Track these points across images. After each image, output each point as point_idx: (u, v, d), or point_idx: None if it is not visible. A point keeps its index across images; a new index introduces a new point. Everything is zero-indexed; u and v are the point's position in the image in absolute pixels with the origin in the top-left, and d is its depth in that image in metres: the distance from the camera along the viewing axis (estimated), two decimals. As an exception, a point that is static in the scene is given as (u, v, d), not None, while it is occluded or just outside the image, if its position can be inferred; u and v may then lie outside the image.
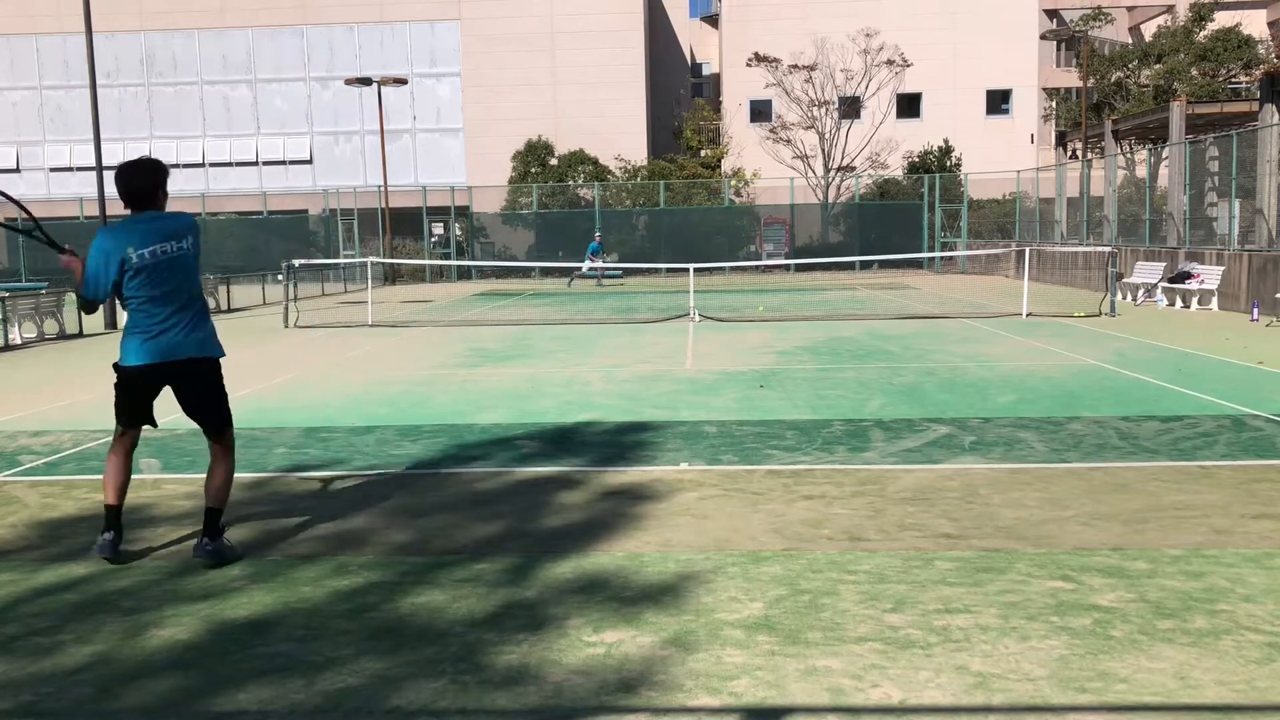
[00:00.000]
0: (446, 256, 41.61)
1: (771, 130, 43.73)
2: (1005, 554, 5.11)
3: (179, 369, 5.24)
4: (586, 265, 31.99)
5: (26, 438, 8.71)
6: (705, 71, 60.39)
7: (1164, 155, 27.20)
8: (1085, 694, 3.56)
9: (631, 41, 46.48)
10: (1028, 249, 24.16)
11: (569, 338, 16.43)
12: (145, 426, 5.39)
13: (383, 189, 37.95)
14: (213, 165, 47.60)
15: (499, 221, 42.63)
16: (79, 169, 46.46)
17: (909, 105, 46.32)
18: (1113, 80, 41.49)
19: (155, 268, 5.12)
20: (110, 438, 5.44)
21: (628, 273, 37.30)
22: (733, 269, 36.27)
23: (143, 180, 5.20)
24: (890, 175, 42.66)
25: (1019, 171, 35.91)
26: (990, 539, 5.36)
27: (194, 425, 5.48)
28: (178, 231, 5.22)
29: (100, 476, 7.11)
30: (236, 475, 7.13)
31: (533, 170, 43.32)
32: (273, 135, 47.68)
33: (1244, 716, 3.42)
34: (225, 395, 5.43)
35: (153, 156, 5.51)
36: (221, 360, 5.42)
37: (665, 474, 6.94)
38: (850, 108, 43.67)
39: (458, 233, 42.67)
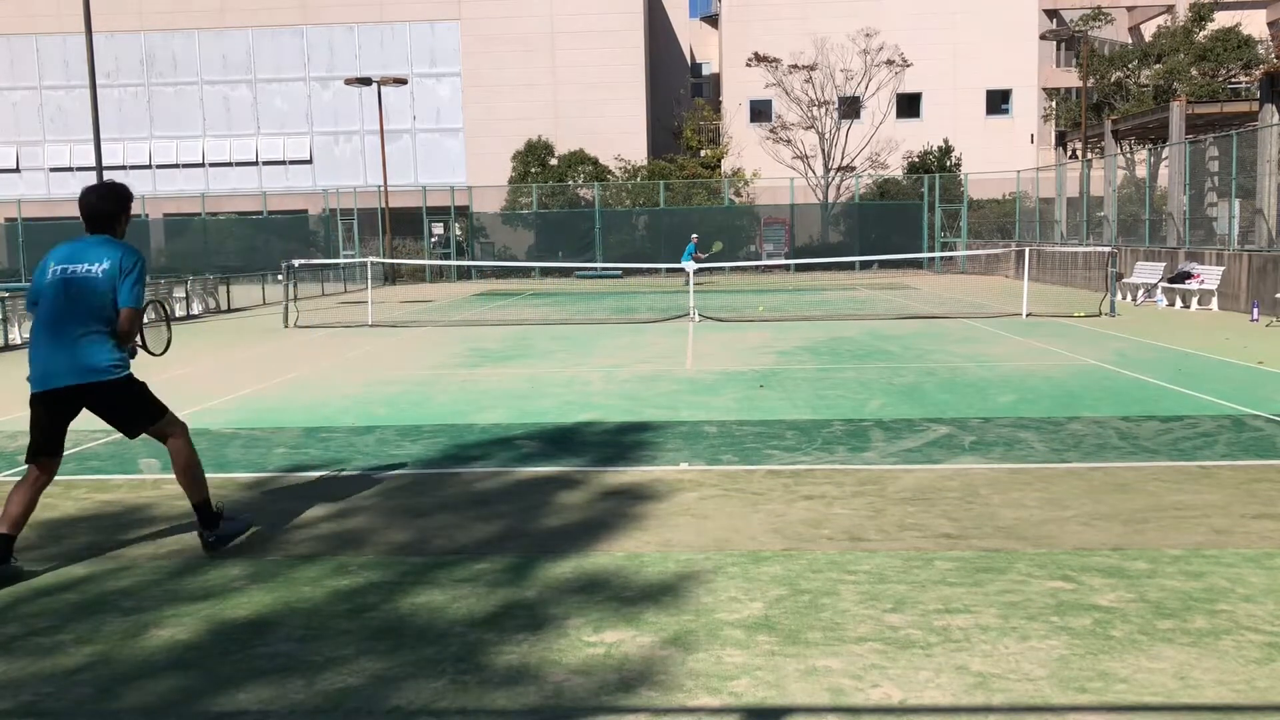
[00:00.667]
0: (446, 256, 41.61)
1: (771, 130, 43.72)
2: (1005, 554, 5.11)
3: (68, 395, 5.02)
4: (691, 265, 31.82)
5: (26, 438, 8.69)
6: (705, 71, 60.39)
7: (1164, 155, 27.21)
8: (1085, 694, 3.56)
9: (631, 41, 46.48)
10: (1027, 249, 24.15)
11: (569, 338, 16.43)
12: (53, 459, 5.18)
13: (383, 189, 37.96)
14: (213, 165, 47.61)
15: (499, 221, 42.63)
16: (79, 169, 46.45)
17: (909, 105, 46.33)
18: (1113, 80, 41.49)
19: (54, 285, 5.00)
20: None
21: (627, 273, 37.29)
22: (733, 269, 36.26)
23: (99, 205, 5.13)
24: (890, 175, 42.65)
25: (1019, 171, 35.91)
26: (990, 539, 5.36)
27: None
28: (96, 255, 5.01)
29: (101, 477, 7.14)
30: (237, 475, 7.15)
31: (533, 170, 43.32)
32: (273, 135, 47.69)
33: (1244, 716, 3.42)
34: (140, 406, 5.22)
35: (118, 183, 5.34)
36: (120, 380, 5.10)
37: (665, 474, 6.94)
38: (850, 108, 43.66)
39: (458, 233, 42.66)
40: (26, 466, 5.22)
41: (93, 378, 5.01)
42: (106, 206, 5.14)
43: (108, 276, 5.00)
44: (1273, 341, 14.09)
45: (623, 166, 43.78)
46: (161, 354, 5.60)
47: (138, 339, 5.24)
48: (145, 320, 5.33)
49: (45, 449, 5.14)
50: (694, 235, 35.52)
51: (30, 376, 5.07)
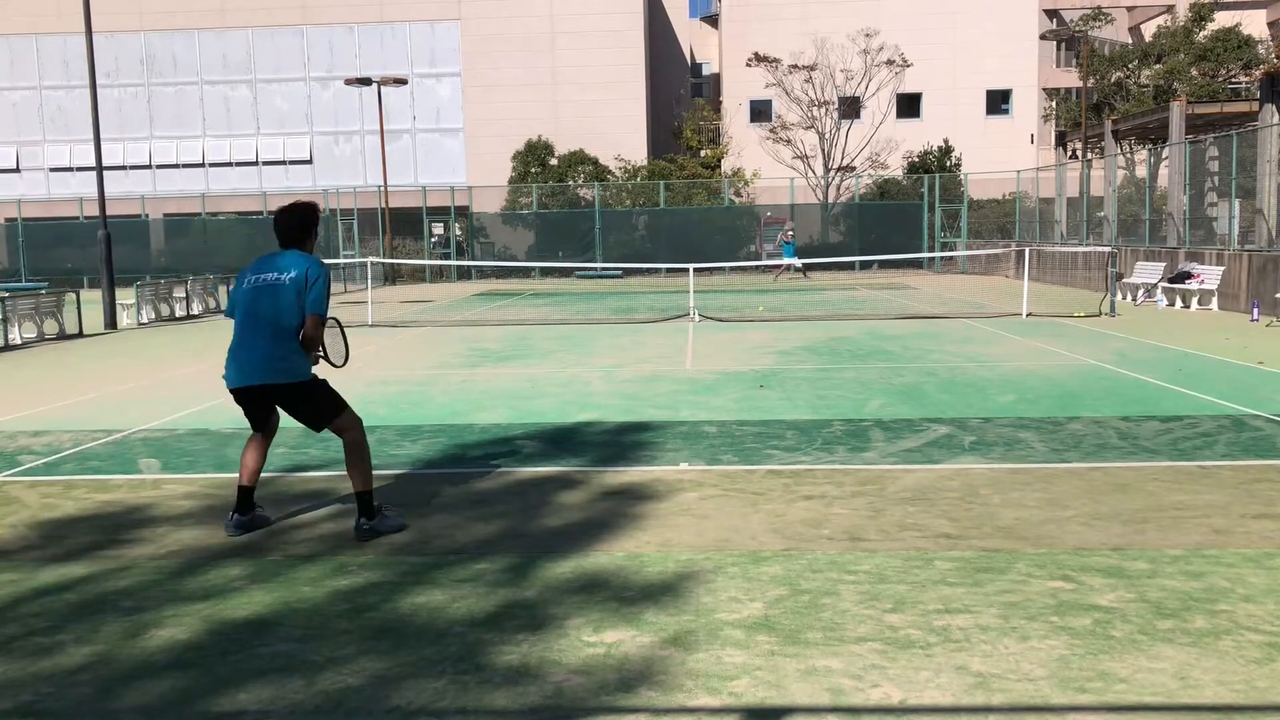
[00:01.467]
0: (446, 256, 41.60)
1: (771, 130, 43.72)
2: (1005, 554, 5.11)
3: (259, 392, 5.57)
4: (798, 260, 32.40)
5: (26, 438, 8.70)
6: (705, 71, 60.38)
7: (1164, 155, 27.20)
8: (1085, 694, 3.56)
9: (631, 41, 46.46)
10: (1027, 249, 24.13)
11: (569, 338, 16.43)
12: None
13: (383, 189, 37.95)
14: (213, 165, 47.58)
15: (499, 221, 42.61)
16: (79, 169, 46.44)
17: (909, 105, 46.31)
18: (1113, 80, 41.48)
19: (248, 293, 5.54)
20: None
21: (627, 273, 37.29)
22: (732, 269, 36.26)
23: (286, 222, 5.72)
24: (890, 175, 42.65)
25: (1019, 171, 35.90)
26: (990, 539, 5.36)
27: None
28: (285, 265, 5.54)
29: (99, 477, 7.16)
30: (236, 475, 7.14)
31: (533, 170, 43.30)
32: (273, 135, 47.67)
33: (1244, 716, 3.42)
34: (323, 404, 5.67)
35: (309, 202, 5.89)
36: (305, 382, 5.60)
37: (665, 474, 6.94)
38: (850, 108, 43.66)
39: (458, 233, 42.65)
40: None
41: (280, 378, 5.56)
42: (294, 226, 5.73)
43: (294, 284, 5.51)
44: (1273, 341, 14.09)
45: (623, 166, 43.76)
46: (341, 366, 6.09)
47: (320, 348, 5.70)
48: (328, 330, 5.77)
49: (257, 427, 5.85)
50: (790, 230, 35.55)
51: (225, 375, 5.68)
